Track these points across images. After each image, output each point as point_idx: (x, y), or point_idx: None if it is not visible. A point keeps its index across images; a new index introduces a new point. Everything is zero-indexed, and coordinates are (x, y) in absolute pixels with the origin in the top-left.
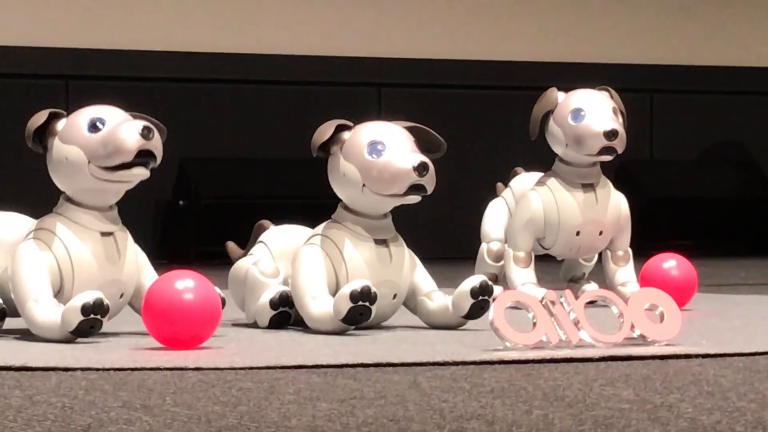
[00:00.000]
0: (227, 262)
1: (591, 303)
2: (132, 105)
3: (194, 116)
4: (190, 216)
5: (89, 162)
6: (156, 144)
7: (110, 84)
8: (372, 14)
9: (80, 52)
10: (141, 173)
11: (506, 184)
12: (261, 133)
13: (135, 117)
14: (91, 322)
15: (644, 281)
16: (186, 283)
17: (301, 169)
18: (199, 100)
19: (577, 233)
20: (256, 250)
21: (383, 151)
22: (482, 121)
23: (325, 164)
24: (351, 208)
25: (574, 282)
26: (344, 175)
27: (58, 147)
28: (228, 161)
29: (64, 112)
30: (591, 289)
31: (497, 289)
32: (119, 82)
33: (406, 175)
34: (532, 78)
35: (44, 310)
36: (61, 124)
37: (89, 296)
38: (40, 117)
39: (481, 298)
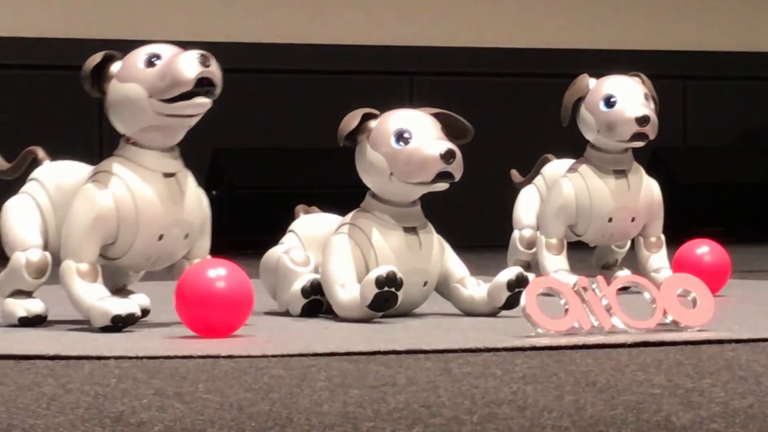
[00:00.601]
0: (260, 251)
1: (623, 289)
2: None
3: (226, 106)
4: (223, 205)
5: (150, 96)
6: (215, 71)
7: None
8: (403, 2)
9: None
10: (203, 102)
11: (537, 171)
12: (293, 122)
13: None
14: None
15: (677, 267)
16: (218, 272)
17: (333, 158)
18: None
19: (610, 220)
20: (287, 238)
21: (410, 139)
22: (513, 109)
23: (353, 153)
24: (379, 197)
25: (606, 269)
26: (371, 164)
27: (115, 87)
28: (261, 151)
29: (119, 53)
30: (623, 275)
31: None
32: None
33: (434, 162)
34: (562, 65)
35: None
36: (116, 66)
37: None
38: (95, 58)
39: (517, 290)
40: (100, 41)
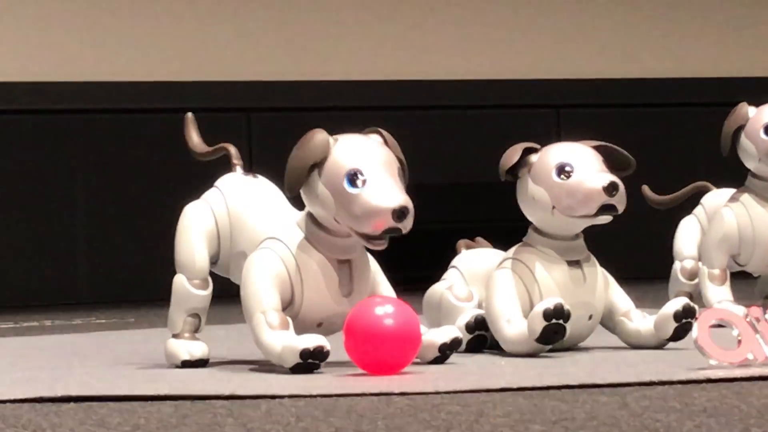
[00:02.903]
0: (423, 287)
1: None
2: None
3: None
4: (395, 241)
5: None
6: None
7: (293, 115)
8: (548, 36)
9: (260, 85)
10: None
11: (687, 196)
12: (444, 157)
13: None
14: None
15: None
16: (386, 309)
17: (486, 193)
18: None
19: None
20: (449, 274)
21: (572, 173)
22: (664, 139)
23: (514, 187)
24: (542, 231)
25: None
26: (533, 198)
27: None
28: (418, 187)
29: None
30: None
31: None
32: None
33: (597, 195)
34: (720, 94)
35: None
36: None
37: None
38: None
39: (684, 321)
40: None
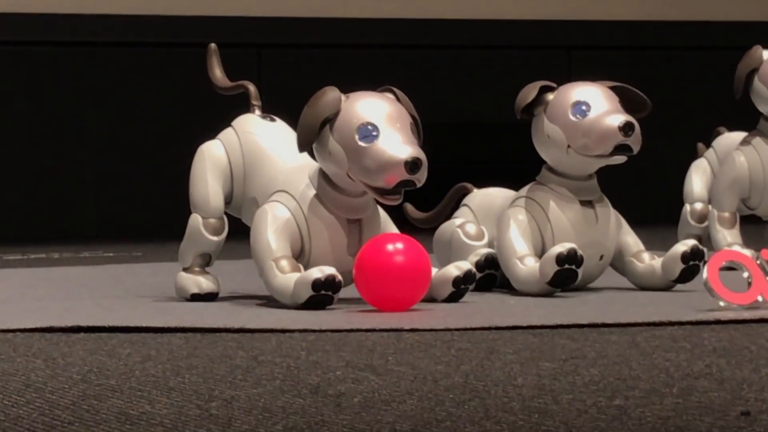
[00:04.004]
0: (434, 225)
1: None
2: (330, 75)
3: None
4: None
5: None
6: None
7: (303, 52)
8: None
9: (271, 21)
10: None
11: (708, 145)
12: (455, 96)
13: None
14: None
15: None
16: (396, 246)
17: (498, 132)
18: (393, 66)
19: None
20: (461, 212)
21: (588, 112)
22: (679, 82)
23: (528, 126)
24: (556, 170)
25: None
26: (548, 137)
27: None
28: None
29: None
30: None
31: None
32: (312, 50)
33: (612, 135)
34: (730, 37)
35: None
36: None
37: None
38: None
39: (691, 263)
40: None
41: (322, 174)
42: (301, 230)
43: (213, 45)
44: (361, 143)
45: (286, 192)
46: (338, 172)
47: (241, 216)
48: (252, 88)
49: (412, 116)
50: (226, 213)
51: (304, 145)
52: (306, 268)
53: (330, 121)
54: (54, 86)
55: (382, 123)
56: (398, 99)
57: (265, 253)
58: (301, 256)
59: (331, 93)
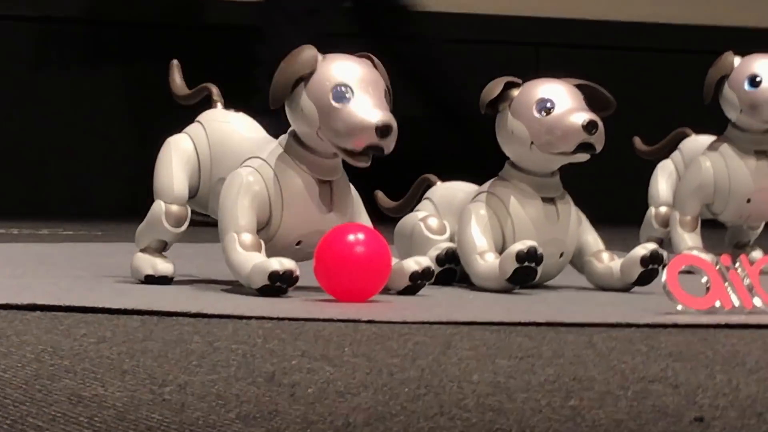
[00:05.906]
0: (396, 217)
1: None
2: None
3: None
4: (365, 171)
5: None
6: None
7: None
8: None
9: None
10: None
11: (671, 144)
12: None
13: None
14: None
15: None
16: (357, 237)
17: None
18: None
19: (748, 200)
20: (423, 206)
21: (552, 109)
22: (646, 83)
23: (492, 121)
24: (518, 166)
25: (739, 248)
26: (512, 133)
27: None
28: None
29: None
30: (757, 256)
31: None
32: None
33: (576, 133)
34: (701, 42)
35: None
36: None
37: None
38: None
39: (651, 266)
40: None
41: (294, 135)
42: (270, 192)
43: (175, 61)
44: (334, 103)
45: (256, 156)
46: (308, 131)
47: (207, 210)
48: (214, 88)
49: (387, 86)
50: (192, 211)
51: (277, 102)
52: (279, 228)
53: (305, 79)
54: (14, 61)
55: (357, 86)
56: (375, 66)
57: (229, 224)
58: (270, 221)
59: (308, 51)
